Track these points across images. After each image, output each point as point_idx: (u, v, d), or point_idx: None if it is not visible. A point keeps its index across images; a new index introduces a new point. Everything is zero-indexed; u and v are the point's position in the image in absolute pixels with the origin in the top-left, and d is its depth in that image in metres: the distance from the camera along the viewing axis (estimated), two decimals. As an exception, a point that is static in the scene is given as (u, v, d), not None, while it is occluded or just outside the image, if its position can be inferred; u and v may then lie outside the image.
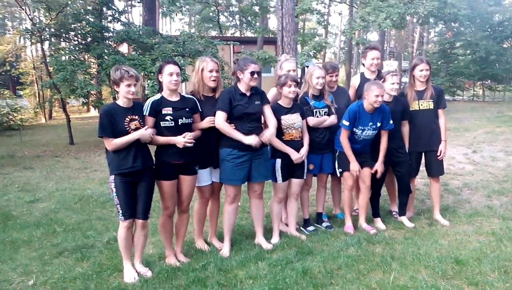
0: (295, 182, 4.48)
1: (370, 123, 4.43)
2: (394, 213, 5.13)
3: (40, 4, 9.57)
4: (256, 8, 21.83)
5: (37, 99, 20.60)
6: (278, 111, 4.25)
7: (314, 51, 15.14)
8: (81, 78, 9.97)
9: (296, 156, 4.26)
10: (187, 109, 3.85)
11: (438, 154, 4.78)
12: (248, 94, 4.07)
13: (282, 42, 10.80)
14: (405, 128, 4.78)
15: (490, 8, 26.88)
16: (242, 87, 4.07)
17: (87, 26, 11.08)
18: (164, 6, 15.36)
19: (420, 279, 3.43)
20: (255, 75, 4.02)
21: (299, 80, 4.44)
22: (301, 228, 4.76)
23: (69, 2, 9.58)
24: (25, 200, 6.29)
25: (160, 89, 3.96)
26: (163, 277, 3.66)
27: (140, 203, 3.72)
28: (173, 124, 3.77)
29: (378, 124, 4.47)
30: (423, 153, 4.90)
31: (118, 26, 12.98)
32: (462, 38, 26.72)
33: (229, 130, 3.95)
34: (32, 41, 10.95)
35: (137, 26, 12.09)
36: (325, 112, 4.55)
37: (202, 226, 4.42)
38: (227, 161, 4.04)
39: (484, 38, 24.87)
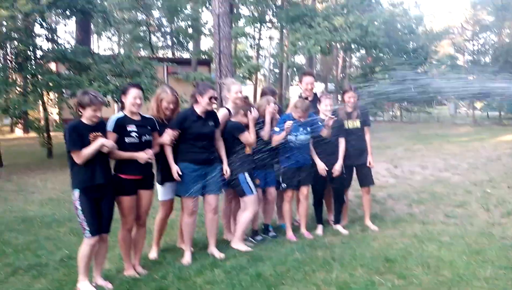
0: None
1: (301, 129, 5.03)
2: (331, 221, 5.70)
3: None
4: (190, 30, 22.22)
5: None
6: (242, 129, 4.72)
7: (248, 74, 15.75)
8: (14, 98, 9.70)
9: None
10: (148, 127, 4.14)
11: (368, 164, 5.45)
12: (203, 116, 4.46)
13: (220, 65, 11.22)
14: (341, 145, 5.36)
15: (406, 36, 29.41)
16: (199, 109, 4.45)
17: (19, 45, 10.81)
18: (98, 25, 15.25)
19: (357, 276, 3.96)
20: (213, 100, 4.43)
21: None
22: (249, 238, 5.15)
23: (3, 22, 9.31)
24: (-37, 223, 6.10)
25: (122, 108, 4.22)
26: (125, 287, 3.86)
27: (104, 218, 3.89)
28: (137, 141, 4.03)
29: (309, 130, 5.08)
30: (353, 167, 5.54)
31: (48, 45, 12.70)
32: (380, 63, 28.92)
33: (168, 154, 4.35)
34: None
35: (72, 46, 11.93)
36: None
37: (160, 237, 4.68)
38: (185, 174, 4.37)
39: (400, 64, 27.09)
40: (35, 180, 9.31)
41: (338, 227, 5.43)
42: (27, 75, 10.78)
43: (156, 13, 30.13)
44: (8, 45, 11.23)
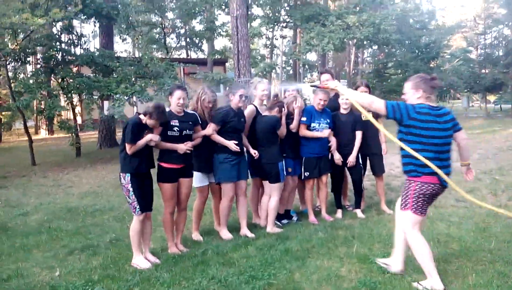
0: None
1: (322, 119, 5.60)
2: (347, 206, 6.25)
3: (7, 30, 9.95)
4: (205, 32, 22.86)
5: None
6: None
7: (263, 72, 16.31)
8: (48, 100, 10.38)
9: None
10: (190, 123, 4.73)
11: (383, 152, 5.98)
12: (237, 112, 5.10)
13: (238, 65, 11.83)
14: (357, 138, 5.86)
15: (418, 31, 29.58)
16: (234, 107, 5.07)
17: (50, 50, 11.50)
18: (121, 30, 15.93)
19: (375, 250, 4.48)
20: (243, 97, 5.03)
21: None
22: (276, 221, 5.69)
23: (35, 28, 9.98)
24: (14, 213, 6.75)
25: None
26: (171, 262, 4.43)
27: (149, 198, 4.51)
28: (178, 134, 4.62)
29: (328, 120, 5.67)
30: (367, 157, 6.07)
31: (76, 49, 13.43)
32: (393, 59, 29.16)
33: (220, 139, 4.98)
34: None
35: (99, 50, 12.60)
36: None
37: (199, 221, 5.26)
38: (225, 163, 5.00)
39: (412, 59, 27.28)
40: (70, 176, 9.99)
41: (357, 211, 5.94)
42: (58, 79, 11.43)
43: (170, 15, 30.84)
44: (39, 51, 11.89)
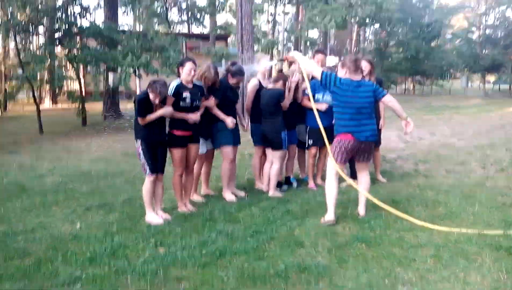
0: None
1: (327, 91, 5.67)
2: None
3: (17, 1, 10.17)
4: (211, 7, 22.90)
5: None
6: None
7: (266, 49, 16.52)
8: (57, 71, 10.69)
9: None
10: (199, 94, 5.09)
11: (379, 126, 6.33)
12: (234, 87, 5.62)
13: (242, 41, 12.06)
14: None
15: (420, 10, 29.63)
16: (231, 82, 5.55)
17: (57, 22, 11.72)
18: (125, 2, 16.05)
19: (368, 211, 4.89)
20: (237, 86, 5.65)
21: None
22: (277, 187, 6.10)
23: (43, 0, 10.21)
24: (30, 176, 7.15)
25: (178, 76, 5.14)
26: (182, 219, 4.86)
27: (159, 162, 4.90)
28: (189, 106, 4.99)
29: None
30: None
31: (84, 22, 13.61)
32: (395, 37, 29.28)
33: (219, 113, 5.43)
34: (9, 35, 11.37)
35: (105, 23, 12.80)
36: None
37: (197, 184, 5.70)
38: (224, 130, 5.39)
39: (414, 38, 27.44)
40: (78, 144, 10.38)
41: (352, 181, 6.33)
42: (65, 50, 11.69)
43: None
44: (46, 22, 12.10)
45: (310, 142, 6.07)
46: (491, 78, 31.48)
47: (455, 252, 3.75)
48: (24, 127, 14.13)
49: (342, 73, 4.71)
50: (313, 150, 6.14)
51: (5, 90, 17.62)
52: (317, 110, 5.93)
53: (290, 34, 35.39)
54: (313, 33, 41.49)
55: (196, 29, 36.00)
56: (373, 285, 3.26)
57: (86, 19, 13.47)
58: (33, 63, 10.51)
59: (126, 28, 21.34)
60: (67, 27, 11.89)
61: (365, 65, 6.23)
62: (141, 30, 17.55)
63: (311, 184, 6.15)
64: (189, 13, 33.70)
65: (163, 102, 4.80)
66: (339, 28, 18.37)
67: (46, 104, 22.65)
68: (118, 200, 5.66)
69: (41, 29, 12.25)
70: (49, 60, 10.56)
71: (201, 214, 5.01)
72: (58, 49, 12.22)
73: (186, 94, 4.97)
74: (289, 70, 6.11)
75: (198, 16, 31.14)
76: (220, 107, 5.45)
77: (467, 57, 26.74)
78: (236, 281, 3.35)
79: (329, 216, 4.62)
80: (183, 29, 36.72)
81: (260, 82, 5.99)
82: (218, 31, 24.49)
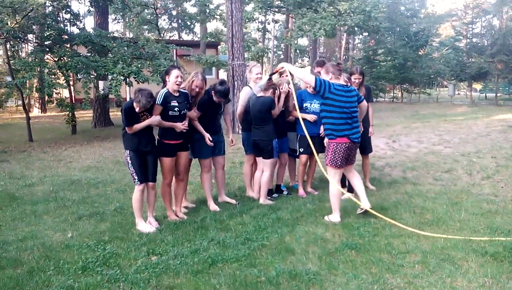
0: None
1: (315, 99, 6.01)
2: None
3: (7, 8, 10.15)
4: (201, 15, 22.99)
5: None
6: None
7: (256, 56, 16.65)
8: (48, 78, 10.67)
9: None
10: (185, 102, 5.13)
11: (369, 134, 6.42)
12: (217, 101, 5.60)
13: (233, 48, 12.17)
14: None
15: (408, 19, 30.07)
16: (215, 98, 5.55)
17: (47, 29, 11.72)
18: (115, 10, 16.08)
19: (358, 219, 4.98)
20: (220, 102, 5.58)
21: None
22: (268, 196, 6.15)
23: (34, 7, 10.21)
24: (20, 184, 7.13)
25: (164, 85, 5.17)
26: (173, 227, 4.89)
27: (150, 170, 4.93)
28: (178, 114, 5.04)
29: (320, 101, 5.93)
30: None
31: (74, 30, 13.64)
32: (383, 46, 29.62)
33: (199, 127, 5.45)
34: (-1, 42, 11.34)
35: (95, 30, 12.82)
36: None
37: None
38: (201, 140, 5.47)
39: (402, 46, 27.78)
40: (69, 152, 10.34)
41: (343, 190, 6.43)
42: (55, 58, 11.68)
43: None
44: (36, 29, 12.10)
45: (301, 150, 6.15)
46: (477, 86, 31.96)
47: (442, 258, 3.84)
48: (13, 135, 14.05)
49: (327, 78, 4.95)
50: (304, 158, 6.23)
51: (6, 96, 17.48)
52: (306, 120, 6.08)
53: (280, 42, 35.71)
54: (303, 41, 41.96)
55: (186, 37, 36.15)
56: (363, 291, 3.34)
57: (77, 26, 13.52)
58: (23, 71, 10.46)
59: (117, 35, 21.36)
60: (57, 34, 11.86)
61: (356, 77, 6.35)
62: (131, 37, 17.53)
63: (301, 191, 6.22)
64: (180, 21, 33.82)
65: (149, 111, 4.86)
66: (328, 37, 18.58)
67: (35, 111, 22.52)
68: (110, 209, 5.68)
69: (31, 36, 12.18)
70: (39, 67, 10.49)
71: (193, 222, 5.05)
72: (48, 57, 12.16)
73: (174, 103, 5.00)
74: (279, 79, 6.20)
75: (189, 23, 31.28)
76: (200, 118, 5.46)
77: (454, 66, 27.16)
78: (228, 288, 3.41)
79: (335, 217, 4.97)
80: (174, 36, 36.86)
81: (252, 90, 6.06)
82: (209, 39, 24.55)
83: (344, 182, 6.36)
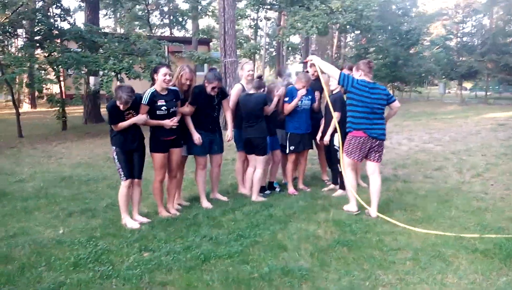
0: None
1: (304, 96, 6.04)
2: (326, 181, 6.76)
3: (-3, 3, 10.04)
4: (193, 11, 22.90)
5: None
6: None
7: (249, 53, 16.65)
8: (38, 74, 10.57)
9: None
10: (174, 100, 5.09)
11: None
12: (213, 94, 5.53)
13: (225, 45, 12.13)
14: (334, 119, 6.23)
15: (399, 18, 30.17)
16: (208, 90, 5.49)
17: (38, 24, 11.59)
18: (106, 5, 15.95)
19: (350, 216, 5.02)
20: (215, 89, 5.45)
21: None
22: (260, 193, 6.15)
23: (24, 1, 10.10)
24: (10, 181, 7.06)
25: (152, 84, 5.14)
26: (166, 224, 4.88)
27: (136, 167, 4.94)
28: (166, 113, 5.01)
29: (310, 97, 6.16)
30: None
31: (65, 25, 13.48)
32: (374, 44, 29.73)
33: (190, 125, 5.39)
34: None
35: (86, 25, 12.71)
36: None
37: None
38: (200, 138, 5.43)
39: (393, 45, 27.89)
40: (59, 148, 10.26)
41: (332, 186, 6.45)
42: (46, 53, 11.57)
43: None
44: (25, 24, 11.97)
45: (292, 148, 6.15)
46: (468, 85, 32.25)
47: (432, 255, 3.88)
48: (2, 131, 13.86)
49: (357, 75, 5.14)
50: (293, 155, 6.24)
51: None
52: (298, 116, 6.10)
53: (272, 39, 35.70)
54: (295, 39, 41.99)
55: (178, 33, 35.98)
56: (355, 287, 3.36)
57: (67, 22, 13.37)
58: (12, 66, 10.35)
59: (107, 31, 21.19)
60: (47, 29, 11.74)
61: (346, 72, 6.37)
62: (122, 33, 17.42)
63: (290, 189, 6.22)
64: (171, 17, 33.65)
65: (136, 110, 4.83)
66: (321, 34, 18.66)
67: (25, 107, 22.30)
68: (101, 205, 5.65)
69: (20, 31, 12.05)
70: (29, 62, 10.39)
71: (185, 218, 5.04)
72: (38, 52, 12.04)
73: (161, 102, 4.96)
74: (277, 80, 6.25)
75: (180, 20, 31.13)
76: (196, 115, 5.43)
77: (445, 64, 27.36)
78: (221, 284, 3.41)
79: (352, 207, 5.17)
80: (165, 32, 36.67)
81: (243, 87, 6.06)
82: (201, 35, 24.46)
83: (336, 179, 6.42)
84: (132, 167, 4.89)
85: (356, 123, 5.03)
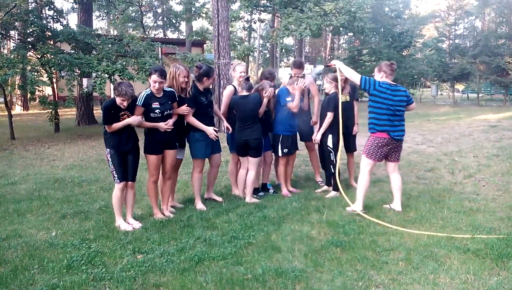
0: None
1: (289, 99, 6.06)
2: (319, 182, 6.78)
3: (-12, 5, 9.98)
4: (187, 13, 22.90)
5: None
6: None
7: (242, 55, 16.66)
8: (30, 75, 10.51)
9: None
10: (169, 102, 5.07)
11: (353, 132, 6.49)
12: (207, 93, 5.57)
13: (219, 47, 12.15)
14: (327, 119, 6.25)
15: (392, 20, 30.33)
16: (201, 87, 5.51)
17: (30, 25, 11.54)
18: (100, 7, 15.91)
19: (343, 216, 5.04)
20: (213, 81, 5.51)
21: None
22: (253, 195, 6.16)
23: (17, 3, 10.05)
24: (2, 183, 7.01)
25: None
26: (159, 226, 4.87)
27: (129, 170, 4.92)
28: (160, 115, 5.00)
29: (301, 97, 6.17)
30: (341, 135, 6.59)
31: (58, 26, 13.44)
32: (368, 46, 29.84)
33: (197, 123, 5.39)
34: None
35: (80, 27, 12.67)
36: None
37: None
38: (201, 141, 5.40)
39: (386, 47, 28.01)
40: (52, 150, 10.21)
41: (325, 187, 6.46)
42: (39, 54, 11.51)
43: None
44: (19, 26, 11.91)
45: (285, 150, 6.14)
46: (460, 87, 32.46)
47: (425, 255, 3.91)
48: (-7, 133, 13.79)
49: (378, 77, 5.25)
50: (285, 158, 6.25)
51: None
52: (288, 118, 6.12)
53: (266, 41, 35.76)
54: (289, 41, 42.11)
55: (171, 35, 35.92)
56: (348, 287, 3.38)
57: (60, 23, 13.34)
58: (5, 68, 10.28)
59: (101, 33, 21.12)
60: (40, 30, 11.69)
61: (341, 74, 6.39)
62: (116, 35, 17.38)
63: (284, 191, 6.23)
64: (165, 19, 33.58)
65: (131, 111, 4.82)
66: (314, 36, 18.76)
67: (17, 109, 22.17)
68: (94, 207, 5.63)
69: (13, 32, 11.98)
70: (21, 64, 10.33)
71: (179, 220, 5.03)
72: (30, 53, 11.98)
73: (155, 105, 4.95)
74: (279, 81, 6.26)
75: (174, 21, 31.08)
76: (195, 115, 5.41)
77: (437, 66, 27.51)
78: (215, 286, 3.42)
79: (358, 206, 5.19)
80: (159, 34, 36.59)
81: (235, 89, 6.07)
82: (194, 37, 24.44)
83: (330, 180, 6.44)
84: (126, 170, 4.88)
85: (380, 124, 5.12)
